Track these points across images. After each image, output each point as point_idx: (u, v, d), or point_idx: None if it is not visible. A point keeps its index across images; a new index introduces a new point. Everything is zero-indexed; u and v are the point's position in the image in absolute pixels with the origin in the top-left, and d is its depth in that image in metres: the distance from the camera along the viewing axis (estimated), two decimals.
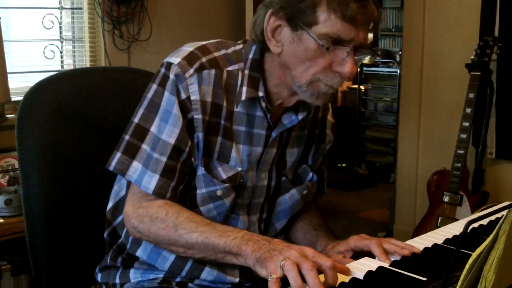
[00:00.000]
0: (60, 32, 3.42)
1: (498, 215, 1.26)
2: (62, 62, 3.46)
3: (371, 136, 5.76)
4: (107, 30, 3.45)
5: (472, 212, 2.84)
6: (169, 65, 1.20)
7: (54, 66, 3.38)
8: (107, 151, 1.26)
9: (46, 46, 3.34)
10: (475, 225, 1.30)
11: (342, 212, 4.51)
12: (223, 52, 1.24)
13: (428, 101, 3.50)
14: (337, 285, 1.02)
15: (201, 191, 1.23)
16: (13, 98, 2.76)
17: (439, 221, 2.93)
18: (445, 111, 3.39)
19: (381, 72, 5.66)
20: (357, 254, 1.23)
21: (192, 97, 1.18)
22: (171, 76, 1.19)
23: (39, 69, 3.23)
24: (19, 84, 3.12)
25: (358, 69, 5.67)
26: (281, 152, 1.31)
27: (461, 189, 2.89)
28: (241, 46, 1.27)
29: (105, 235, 1.37)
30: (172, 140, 1.18)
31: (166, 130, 1.19)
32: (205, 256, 1.15)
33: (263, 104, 1.23)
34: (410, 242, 1.24)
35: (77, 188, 1.43)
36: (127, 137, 1.22)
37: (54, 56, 3.37)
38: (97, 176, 1.43)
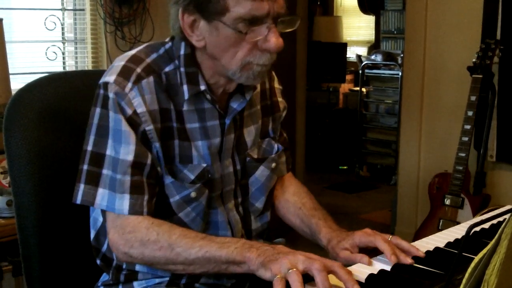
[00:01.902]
0: (62, 34, 3.42)
1: (500, 218, 1.25)
2: (64, 63, 3.46)
3: (372, 138, 5.75)
4: (109, 32, 3.45)
5: (474, 214, 2.84)
6: (105, 85, 1.18)
7: (56, 67, 3.38)
8: None
9: (48, 47, 3.34)
10: (477, 228, 1.30)
11: (343, 214, 4.51)
12: (154, 55, 1.23)
13: (430, 103, 3.50)
14: None
15: (174, 198, 1.22)
16: None
17: (440, 223, 2.93)
18: (447, 114, 3.38)
19: (382, 74, 5.65)
20: (362, 250, 1.24)
21: (138, 110, 1.17)
22: (111, 95, 1.17)
23: (41, 71, 3.23)
24: (21, 86, 3.11)
25: (360, 71, 5.69)
26: (238, 135, 1.31)
27: (462, 191, 2.89)
28: (170, 44, 1.26)
29: (98, 261, 1.33)
30: (130, 157, 1.16)
31: (122, 149, 1.16)
32: (207, 270, 1.14)
33: (208, 97, 1.23)
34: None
35: (70, 196, 1.34)
36: (85, 166, 1.19)
37: (56, 58, 3.37)
38: None
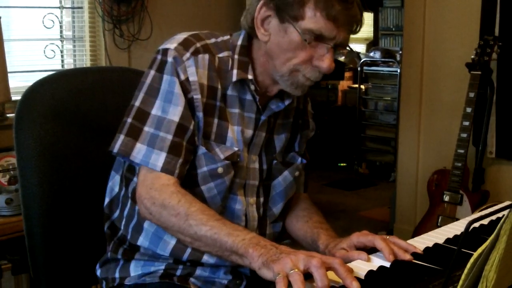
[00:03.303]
0: (61, 32, 3.43)
1: (499, 214, 1.26)
2: (62, 61, 3.46)
3: (371, 135, 5.76)
4: (107, 29, 3.45)
5: (473, 211, 2.84)
6: (165, 50, 1.26)
7: (54, 65, 3.38)
8: (106, 151, 1.26)
9: (47, 45, 3.34)
10: (476, 224, 1.30)
11: (342, 211, 4.51)
12: (213, 40, 1.31)
13: (429, 100, 3.50)
14: (338, 286, 1.02)
15: (202, 169, 1.26)
16: (14, 98, 2.75)
17: (439, 220, 2.93)
18: (446, 110, 3.39)
19: (381, 71, 5.66)
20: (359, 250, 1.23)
21: (191, 78, 1.24)
22: (169, 59, 1.24)
23: (39, 69, 3.23)
24: (20, 84, 3.12)
25: (359, 69, 5.69)
26: (269, 138, 1.37)
27: (461, 188, 2.89)
28: (228, 36, 1.34)
29: (105, 228, 1.40)
30: (176, 118, 1.23)
31: (170, 109, 1.23)
32: (211, 251, 1.17)
33: (252, 87, 1.29)
34: (411, 241, 1.24)
35: (76, 188, 1.43)
36: (129, 119, 1.25)
37: (54, 56, 3.37)
38: (97, 176, 1.43)
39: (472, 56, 2.89)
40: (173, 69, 1.24)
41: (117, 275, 1.34)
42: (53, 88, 1.42)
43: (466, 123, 2.84)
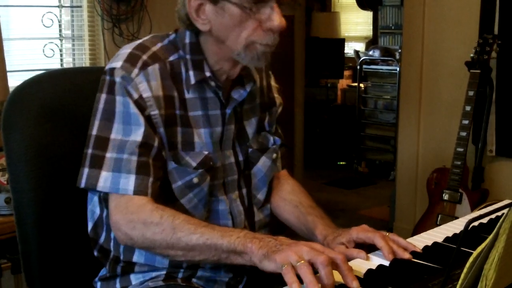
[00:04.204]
0: (60, 31, 3.42)
1: (498, 213, 1.26)
2: (61, 60, 3.45)
3: (371, 134, 5.76)
4: (106, 28, 3.44)
5: (472, 210, 2.84)
6: (112, 70, 1.21)
7: (53, 64, 3.37)
8: None
9: (46, 44, 3.33)
10: (475, 223, 1.30)
11: (342, 210, 4.52)
12: (159, 45, 1.27)
13: (428, 99, 3.50)
14: (337, 285, 1.02)
15: (176, 184, 1.24)
16: None
17: (438, 218, 2.93)
18: (445, 109, 3.39)
19: (380, 70, 5.66)
20: (358, 246, 1.23)
21: (144, 95, 1.19)
22: (117, 79, 1.19)
23: (38, 68, 3.22)
24: (19, 83, 3.11)
25: (358, 67, 5.69)
26: (240, 127, 1.34)
27: (461, 186, 2.89)
28: (174, 35, 1.30)
29: (95, 253, 1.34)
30: (138, 138, 1.18)
31: (131, 130, 1.18)
32: (207, 258, 1.13)
33: (212, 84, 1.26)
34: (410, 240, 1.24)
35: (69, 193, 1.36)
36: (89, 150, 1.20)
37: (53, 55, 3.37)
38: None
39: (472, 55, 2.89)
40: (123, 89, 1.19)
41: (118, 286, 1.31)
42: (40, 90, 1.37)
43: (466, 122, 2.84)
